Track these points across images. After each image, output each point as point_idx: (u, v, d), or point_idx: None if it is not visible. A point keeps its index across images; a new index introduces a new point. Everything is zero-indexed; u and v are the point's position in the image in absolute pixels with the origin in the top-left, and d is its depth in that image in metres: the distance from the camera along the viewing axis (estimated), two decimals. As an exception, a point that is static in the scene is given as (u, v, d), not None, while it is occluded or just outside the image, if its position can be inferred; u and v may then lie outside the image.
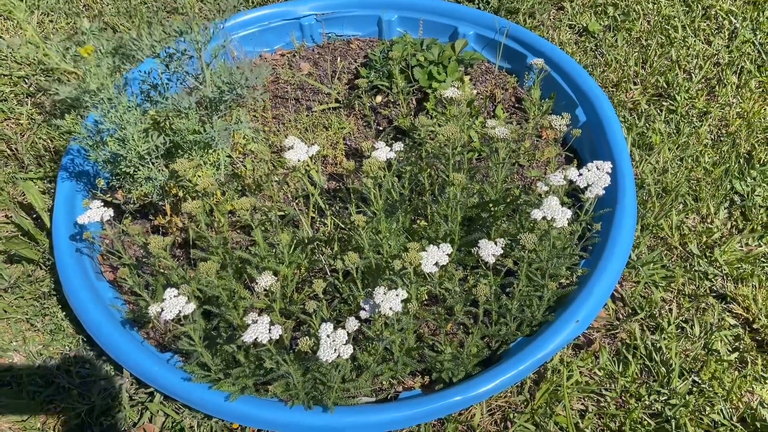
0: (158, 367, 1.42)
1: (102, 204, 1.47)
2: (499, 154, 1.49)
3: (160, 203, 1.68)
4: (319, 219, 1.77)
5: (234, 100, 1.49)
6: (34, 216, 1.92)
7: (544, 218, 1.34)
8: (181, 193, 1.63)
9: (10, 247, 1.77)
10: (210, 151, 1.61)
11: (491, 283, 1.34)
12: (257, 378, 1.39)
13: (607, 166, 1.40)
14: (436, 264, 1.27)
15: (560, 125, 1.51)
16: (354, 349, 1.20)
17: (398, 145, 1.50)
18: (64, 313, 1.72)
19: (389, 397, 1.48)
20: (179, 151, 1.60)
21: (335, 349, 1.17)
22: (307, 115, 2.08)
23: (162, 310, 1.19)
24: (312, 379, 1.36)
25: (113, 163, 1.53)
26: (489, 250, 1.30)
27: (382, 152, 1.48)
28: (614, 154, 1.79)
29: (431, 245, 1.29)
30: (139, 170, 1.49)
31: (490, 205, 1.57)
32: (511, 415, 1.53)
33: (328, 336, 1.19)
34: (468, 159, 1.90)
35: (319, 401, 1.37)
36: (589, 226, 1.50)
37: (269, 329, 1.17)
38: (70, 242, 1.65)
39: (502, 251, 1.30)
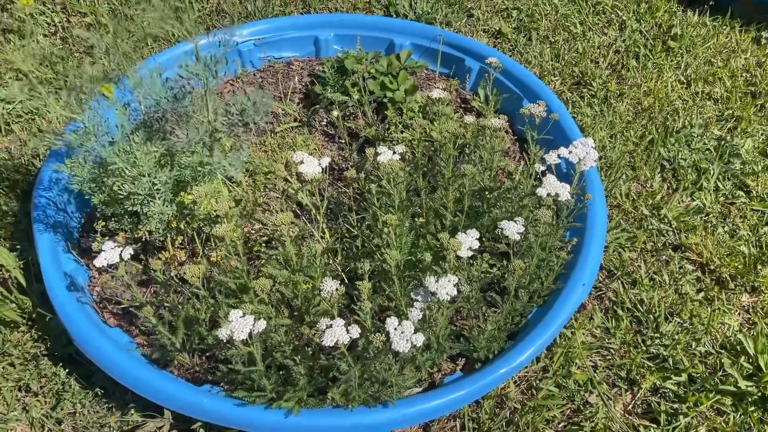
0: (208, 399, 1.39)
1: (115, 245, 1.42)
2: (493, 141, 1.62)
3: (160, 240, 1.63)
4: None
5: (244, 129, 1.50)
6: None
7: (548, 194, 1.49)
8: (182, 226, 1.60)
9: (-13, 313, 1.64)
10: (209, 180, 1.60)
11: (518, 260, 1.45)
12: (311, 388, 1.40)
13: (590, 141, 1.58)
14: (470, 248, 1.37)
15: (539, 112, 1.67)
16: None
17: (400, 148, 1.59)
18: (66, 370, 1.62)
19: (435, 383, 1.55)
20: (180, 183, 1.58)
21: (407, 339, 1.23)
22: (271, 137, 2.10)
23: (232, 332, 1.19)
24: (368, 378, 1.40)
25: (116, 204, 1.48)
26: (513, 229, 1.42)
27: (387, 155, 1.57)
28: (569, 136, 1.98)
29: (461, 233, 1.39)
30: (150, 206, 1.45)
31: (486, 192, 1.69)
32: (535, 383, 1.65)
33: (395, 329, 1.24)
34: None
35: (377, 399, 1.41)
36: (581, 198, 1.67)
37: (347, 330, 1.20)
38: (69, 293, 1.56)
39: (524, 228, 1.43)
